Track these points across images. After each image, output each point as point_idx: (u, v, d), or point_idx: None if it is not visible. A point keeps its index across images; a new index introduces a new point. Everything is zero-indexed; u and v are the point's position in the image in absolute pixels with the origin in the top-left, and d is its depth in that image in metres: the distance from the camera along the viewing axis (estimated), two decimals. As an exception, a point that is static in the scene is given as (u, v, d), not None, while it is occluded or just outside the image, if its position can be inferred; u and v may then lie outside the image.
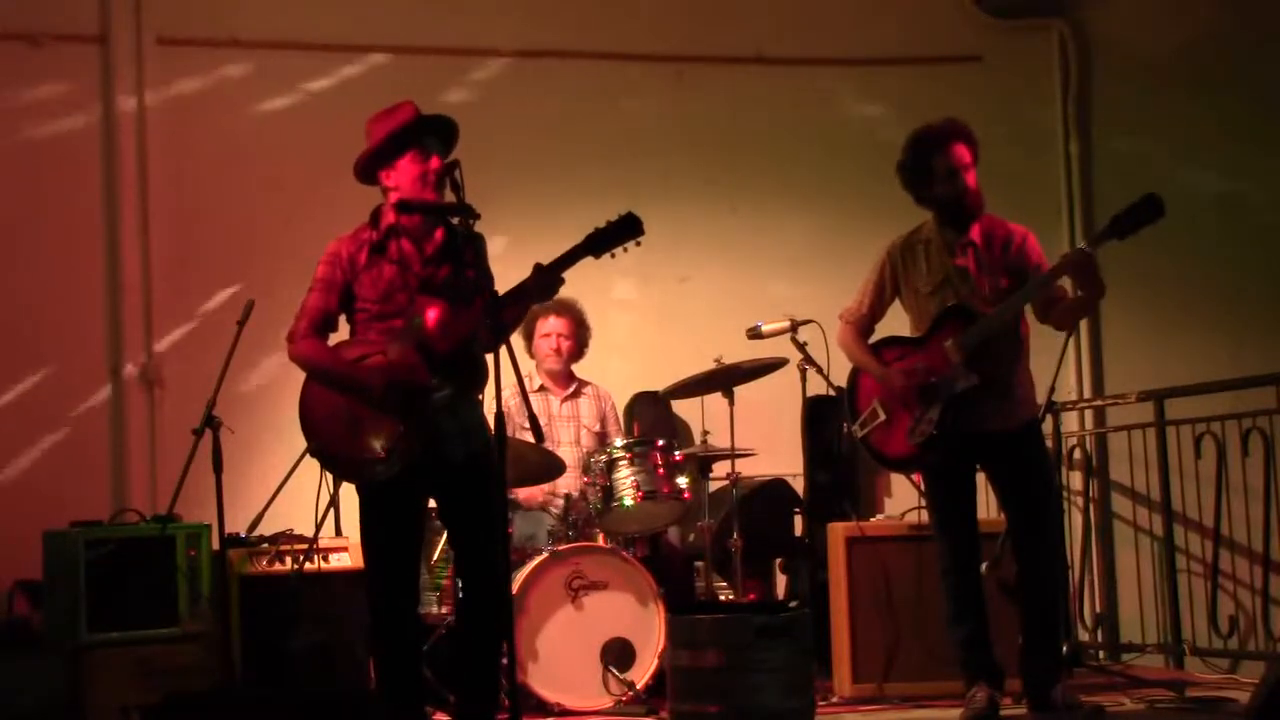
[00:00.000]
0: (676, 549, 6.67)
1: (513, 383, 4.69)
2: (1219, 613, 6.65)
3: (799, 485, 6.91)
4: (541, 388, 6.66)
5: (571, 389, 6.70)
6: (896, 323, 5.59)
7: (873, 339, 5.57)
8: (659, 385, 6.85)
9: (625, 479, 6.06)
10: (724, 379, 6.50)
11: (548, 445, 6.29)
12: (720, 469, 6.63)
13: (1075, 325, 5.50)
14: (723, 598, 6.52)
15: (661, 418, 7.28)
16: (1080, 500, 7.64)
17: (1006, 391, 5.35)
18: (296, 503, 5.93)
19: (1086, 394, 7.98)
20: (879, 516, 6.85)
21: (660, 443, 6.16)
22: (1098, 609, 7.77)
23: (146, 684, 5.58)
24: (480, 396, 4.78)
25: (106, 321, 7.09)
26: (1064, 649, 6.16)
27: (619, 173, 7.44)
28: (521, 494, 6.40)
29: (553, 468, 6.24)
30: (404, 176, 4.75)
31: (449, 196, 4.56)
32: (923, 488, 5.80)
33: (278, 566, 5.87)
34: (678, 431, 7.30)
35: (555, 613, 5.83)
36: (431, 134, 4.76)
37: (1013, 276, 5.34)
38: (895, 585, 6.11)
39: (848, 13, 8.06)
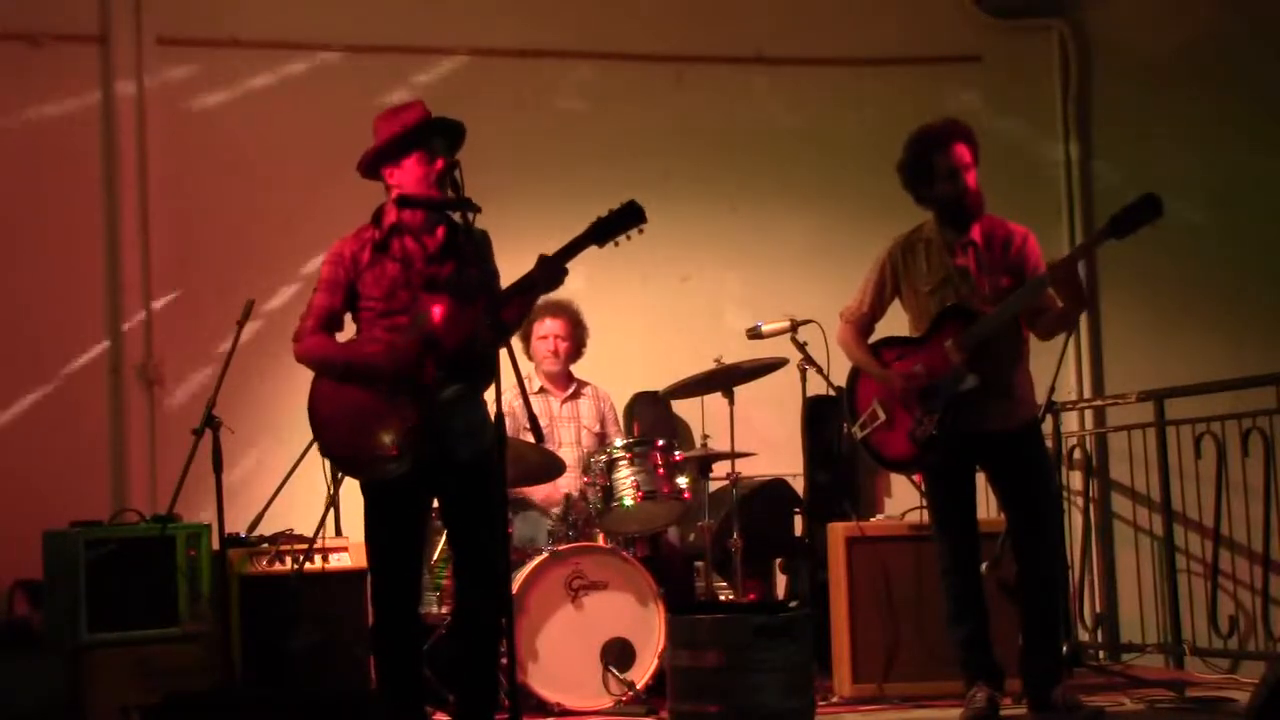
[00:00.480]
0: (676, 549, 6.67)
1: (514, 383, 4.69)
2: (1219, 613, 6.65)
3: (799, 485, 6.90)
4: (541, 389, 6.66)
5: (571, 390, 6.70)
6: (896, 323, 5.59)
7: (873, 339, 5.57)
8: (659, 385, 6.85)
9: (625, 479, 6.07)
10: (724, 379, 6.50)
11: (548, 446, 6.29)
12: (720, 469, 6.63)
13: (1054, 337, 5.48)
14: (723, 598, 6.51)
15: (661, 418, 7.27)
16: (1080, 500, 7.64)
17: (1007, 391, 5.34)
18: (296, 503, 5.94)
19: (1086, 394, 7.98)
20: (879, 516, 6.84)
21: (660, 443, 6.16)
22: (1098, 609, 7.77)
23: (146, 684, 5.58)
24: (484, 396, 4.78)
25: (106, 321, 7.09)
26: (1064, 649, 6.16)
27: (619, 173, 7.42)
28: (538, 495, 6.40)
29: (553, 468, 6.24)
30: (408, 176, 4.75)
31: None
32: (923, 488, 5.80)
33: (278, 566, 5.86)
34: (678, 431, 7.30)
35: (555, 613, 5.83)
36: (439, 136, 4.76)
37: (1013, 276, 5.34)
38: (895, 585, 6.11)
39: (848, 13, 8.05)
